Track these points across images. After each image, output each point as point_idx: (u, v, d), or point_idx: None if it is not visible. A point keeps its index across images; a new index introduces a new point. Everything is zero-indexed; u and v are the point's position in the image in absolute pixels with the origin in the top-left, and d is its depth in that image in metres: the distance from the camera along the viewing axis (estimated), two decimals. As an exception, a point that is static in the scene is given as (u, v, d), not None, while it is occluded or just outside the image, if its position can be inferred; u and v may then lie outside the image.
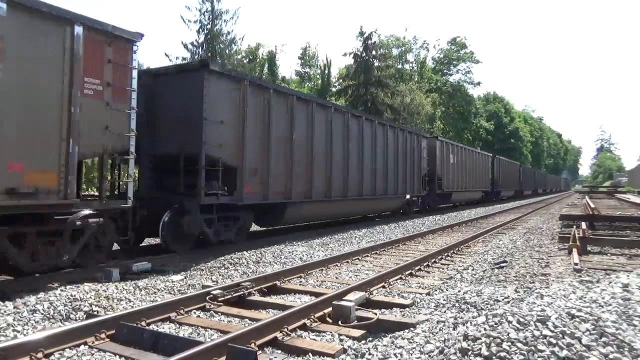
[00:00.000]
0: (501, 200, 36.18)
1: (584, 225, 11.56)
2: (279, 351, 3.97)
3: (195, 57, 30.93)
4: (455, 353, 3.14)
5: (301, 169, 11.17)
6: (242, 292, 5.47)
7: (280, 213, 10.77)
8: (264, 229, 12.41)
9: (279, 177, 10.31)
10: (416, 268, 7.29)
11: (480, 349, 3.05)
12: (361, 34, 36.26)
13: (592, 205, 20.41)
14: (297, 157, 10.94)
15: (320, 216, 13.28)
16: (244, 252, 8.56)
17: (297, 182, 10.90)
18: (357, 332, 4.28)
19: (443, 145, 22.97)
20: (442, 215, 19.78)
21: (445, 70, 56.69)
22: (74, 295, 5.16)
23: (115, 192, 7.91)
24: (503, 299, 4.96)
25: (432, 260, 8.07)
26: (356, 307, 4.79)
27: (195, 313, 4.98)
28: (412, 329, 4.24)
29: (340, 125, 13.02)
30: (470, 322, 3.64)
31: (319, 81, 44.07)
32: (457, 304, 5.03)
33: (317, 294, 5.58)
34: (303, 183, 11.24)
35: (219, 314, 5.02)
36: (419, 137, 19.86)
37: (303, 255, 8.53)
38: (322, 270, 7.31)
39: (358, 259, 8.40)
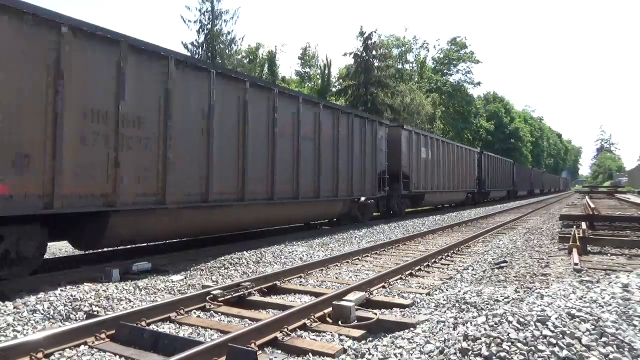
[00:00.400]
0: (492, 202, 32.69)
1: (584, 225, 11.56)
2: (279, 351, 3.97)
3: (196, 57, 30.91)
4: (455, 353, 3.14)
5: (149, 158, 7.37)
6: (242, 292, 5.47)
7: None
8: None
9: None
10: (416, 268, 7.29)
11: (480, 349, 3.05)
12: (361, 34, 36.30)
13: (592, 205, 20.41)
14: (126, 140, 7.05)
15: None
16: (244, 252, 8.56)
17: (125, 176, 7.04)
18: (357, 332, 4.28)
19: (411, 136, 18.42)
20: (442, 215, 19.77)
21: (445, 70, 56.73)
22: (74, 295, 5.16)
23: None
24: (503, 299, 4.96)
25: (432, 260, 8.07)
26: (356, 307, 4.79)
27: (195, 313, 4.98)
28: (412, 329, 4.23)
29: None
30: (470, 322, 3.64)
31: (319, 81, 44.07)
32: (457, 304, 5.03)
33: (317, 294, 5.58)
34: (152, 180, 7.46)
35: (219, 314, 5.02)
36: (374, 123, 15.33)
37: (303, 255, 8.53)
38: (322, 270, 7.31)
39: (358, 259, 8.40)
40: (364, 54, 36.02)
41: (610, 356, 2.88)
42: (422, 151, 19.46)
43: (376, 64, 36.50)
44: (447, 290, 5.96)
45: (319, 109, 12.09)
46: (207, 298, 5.18)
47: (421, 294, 5.75)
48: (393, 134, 17.28)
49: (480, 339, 3.17)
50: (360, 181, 14.16)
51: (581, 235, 9.38)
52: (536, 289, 5.36)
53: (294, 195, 11.00)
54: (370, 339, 4.15)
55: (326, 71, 42.88)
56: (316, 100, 12.51)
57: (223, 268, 7.37)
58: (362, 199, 14.66)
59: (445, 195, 23.02)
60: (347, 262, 8.08)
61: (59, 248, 9.73)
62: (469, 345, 3.15)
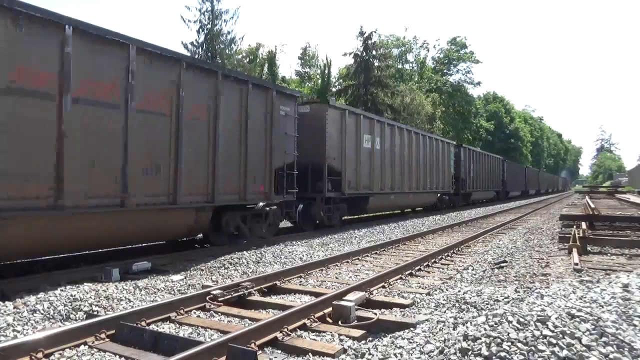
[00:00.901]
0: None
1: (584, 225, 11.55)
2: (279, 351, 3.97)
3: (196, 57, 30.92)
4: (455, 353, 3.14)
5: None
6: (242, 292, 5.47)
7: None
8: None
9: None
10: (416, 268, 7.29)
11: (480, 349, 3.05)
12: (361, 34, 36.26)
13: (592, 205, 20.40)
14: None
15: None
16: (244, 252, 8.56)
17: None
18: (357, 332, 4.28)
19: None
20: (442, 215, 19.77)
21: (445, 70, 56.67)
22: (74, 295, 5.16)
23: None
24: (503, 299, 4.96)
25: (432, 260, 8.07)
26: (356, 307, 4.79)
27: (195, 313, 4.98)
28: (412, 329, 4.23)
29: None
30: (470, 322, 3.64)
31: (319, 81, 44.05)
32: (457, 304, 5.03)
33: (317, 294, 5.58)
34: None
35: (219, 314, 5.02)
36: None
37: (303, 255, 8.53)
38: (322, 270, 7.31)
39: (358, 259, 8.40)
40: (364, 54, 36.01)
41: (611, 356, 2.88)
42: (365, 139, 14.80)
43: (376, 64, 36.48)
44: (447, 290, 5.96)
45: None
46: (207, 298, 5.18)
47: (421, 294, 5.75)
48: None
49: (480, 339, 3.17)
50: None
51: (581, 235, 9.38)
52: (536, 289, 5.36)
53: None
54: (370, 339, 4.15)
55: (326, 71, 42.82)
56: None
57: (223, 268, 7.37)
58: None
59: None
60: (347, 262, 8.08)
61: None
62: (469, 345, 3.15)
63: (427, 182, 19.94)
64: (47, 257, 7.55)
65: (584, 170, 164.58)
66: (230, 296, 5.32)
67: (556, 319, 3.31)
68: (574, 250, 8.11)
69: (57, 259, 8.08)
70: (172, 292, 5.85)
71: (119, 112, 6.90)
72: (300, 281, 6.59)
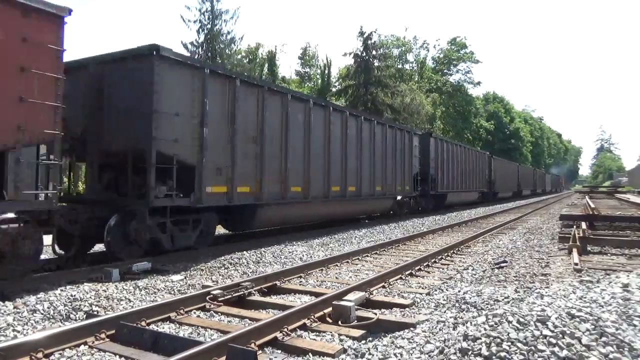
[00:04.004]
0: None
1: (584, 225, 11.55)
2: (279, 351, 3.97)
3: (196, 57, 30.93)
4: (455, 353, 3.14)
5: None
6: (242, 292, 5.47)
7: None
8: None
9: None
10: (416, 268, 7.29)
11: (480, 349, 3.05)
12: (361, 34, 36.25)
13: (592, 205, 20.41)
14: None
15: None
16: (244, 252, 8.56)
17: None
18: (357, 332, 4.28)
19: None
20: (442, 215, 19.75)
21: (445, 70, 56.64)
22: (74, 295, 5.17)
23: None
24: (503, 299, 4.96)
25: (432, 260, 8.07)
26: (356, 307, 4.79)
27: (195, 313, 4.98)
28: (412, 329, 4.23)
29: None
30: (470, 322, 3.64)
31: (319, 81, 44.05)
32: (457, 304, 5.03)
33: (317, 294, 5.58)
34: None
35: (219, 314, 5.02)
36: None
37: (303, 255, 8.53)
38: (322, 270, 7.31)
39: (358, 259, 8.40)
40: (364, 54, 35.99)
41: (610, 356, 2.88)
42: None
43: (376, 64, 36.45)
44: (447, 290, 5.96)
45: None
46: (207, 298, 5.18)
47: (421, 294, 5.75)
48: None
49: (480, 339, 3.17)
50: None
51: (581, 235, 9.38)
52: (536, 288, 5.36)
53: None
54: (370, 339, 4.15)
55: (326, 71, 42.82)
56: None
57: (223, 268, 7.37)
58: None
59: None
60: (347, 262, 8.08)
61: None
62: (469, 345, 3.15)
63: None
64: (47, 258, 7.55)
65: (584, 170, 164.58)
66: (230, 296, 5.32)
67: (556, 319, 3.31)
68: (574, 250, 8.11)
69: (57, 259, 8.08)
70: (172, 292, 5.85)
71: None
72: (300, 281, 6.58)
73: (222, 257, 8.03)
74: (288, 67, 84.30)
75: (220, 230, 10.82)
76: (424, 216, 18.76)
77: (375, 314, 4.66)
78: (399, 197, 17.20)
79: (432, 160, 20.39)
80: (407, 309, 5.11)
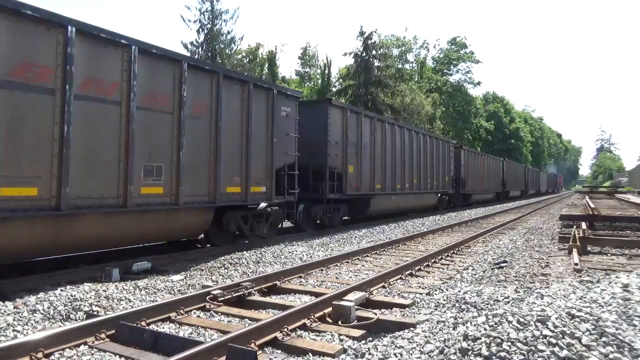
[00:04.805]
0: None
1: (584, 225, 11.55)
2: (279, 351, 3.97)
3: (195, 57, 30.91)
4: (455, 353, 3.14)
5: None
6: (242, 292, 5.47)
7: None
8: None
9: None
10: (416, 268, 7.29)
11: (480, 349, 3.05)
12: (361, 34, 36.28)
13: (592, 205, 20.39)
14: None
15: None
16: (244, 252, 8.56)
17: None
18: (357, 332, 4.28)
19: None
20: (442, 215, 19.77)
21: (445, 70, 56.65)
22: (74, 295, 5.17)
23: None
24: (503, 299, 4.96)
25: (432, 260, 8.07)
26: (356, 307, 4.79)
27: (195, 313, 4.98)
28: (412, 329, 4.23)
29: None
30: (470, 322, 3.64)
31: (319, 81, 44.06)
32: (457, 304, 5.03)
33: (317, 294, 5.58)
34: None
35: (219, 314, 5.02)
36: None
37: (303, 255, 8.53)
38: (322, 270, 7.31)
39: (358, 259, 8.40)
40: (364, 54, 36.02)
41: (610, 356, 2.88)
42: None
43: (376, 64, 36.50)
44: (447, 290, 5.96)
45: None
46: (207, 298, 5.18)
47: (421, 294, 5.75)
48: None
49: (480, 339, 3.17)
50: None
51: (581, 235, 9.36)
52: (536, 289, 5.36)
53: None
54: (370, 339, 4.15)
55: (326, 71, 42.84)
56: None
57: (223, 268, 7.37)
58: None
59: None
60: (347, 262, 8.08)
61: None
62: (469, 345, 3.15)
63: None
64: (47, 257, 7.55)
65: (584, 170, 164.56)
66: (230, 296, 5.33)
67: (556, 319, 3.31)
68: (574, 250, 8.10)
69: (57, 259, 8.08)
70: (172, 292, 5.86)
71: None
72: (300, 281, 6.59)
73: (222, 257, 8.03)
74: (288, 67, 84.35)
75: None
76: (424, 216, 18.82)
77: (375, 314, 4.66)
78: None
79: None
80: (407, 309, 5.11)
